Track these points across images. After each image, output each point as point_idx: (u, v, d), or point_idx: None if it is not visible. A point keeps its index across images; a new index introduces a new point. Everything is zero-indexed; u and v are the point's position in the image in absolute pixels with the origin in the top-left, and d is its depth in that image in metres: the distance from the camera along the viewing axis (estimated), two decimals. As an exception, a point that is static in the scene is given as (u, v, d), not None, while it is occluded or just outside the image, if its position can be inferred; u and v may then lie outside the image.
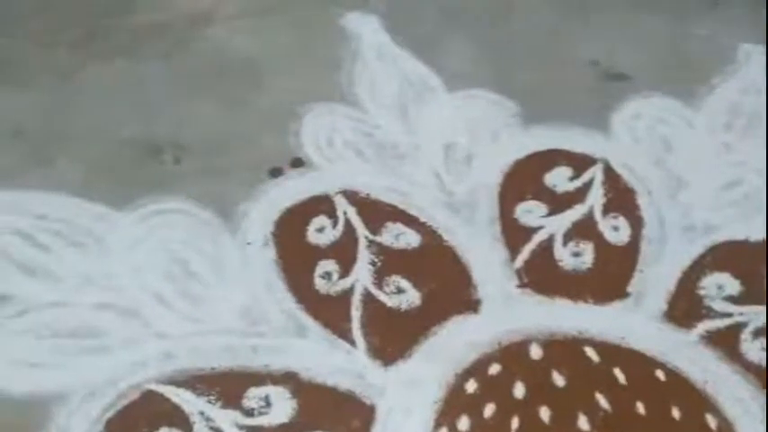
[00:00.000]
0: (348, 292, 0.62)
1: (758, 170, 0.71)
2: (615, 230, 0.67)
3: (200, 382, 0.57)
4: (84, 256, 0.63)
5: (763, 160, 0.72)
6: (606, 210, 0.68)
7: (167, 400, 0.56)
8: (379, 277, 0.63)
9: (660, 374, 0.58)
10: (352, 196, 0.68)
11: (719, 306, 0.62)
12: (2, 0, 0.83)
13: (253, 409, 0.56)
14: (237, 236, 0.65)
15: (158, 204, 0.67)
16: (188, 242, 0.64)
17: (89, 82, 0.77)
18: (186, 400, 0.56)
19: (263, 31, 0.82)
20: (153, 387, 0.56)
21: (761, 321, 0.61)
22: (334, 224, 0.66)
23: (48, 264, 0.63)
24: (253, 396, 0.56)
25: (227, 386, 0.56)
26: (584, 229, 0.66)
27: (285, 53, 0.80)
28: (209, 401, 0.56)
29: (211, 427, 0.55)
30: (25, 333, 0.59)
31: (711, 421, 0.56)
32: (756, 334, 0.60)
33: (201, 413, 0.55)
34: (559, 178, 0.70)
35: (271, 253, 0.64)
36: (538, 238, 0.66)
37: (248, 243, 0.65)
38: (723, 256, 0.65)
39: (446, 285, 0.63)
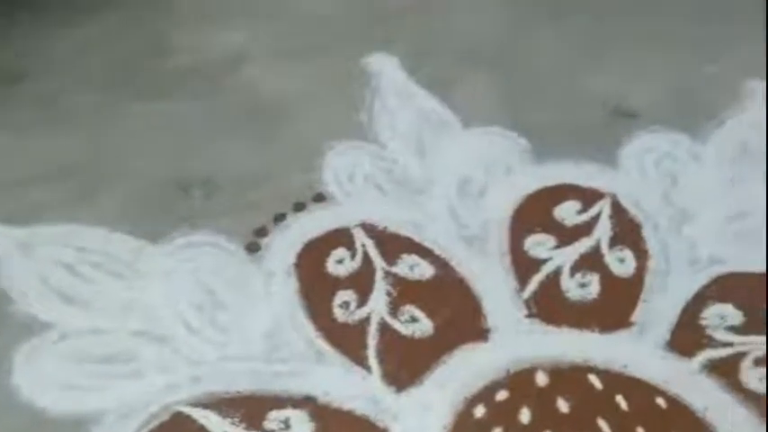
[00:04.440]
0: (365, 321, 0.66)
1: (764, 203, 0.73)
2: (621, 262, 0.69)
3: (225, 404, 0.61)
4: (121, 287, 0.68)
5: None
6: (613, 242, 0.71)
7: (195, 421, 0.60)
8: (395, 307, 0.67)
9: (661, 402, 0.60)
10: (370, 229, 0.72)
11: (721, 336, 0.64)
12: (48, 41, 0.89)
13: (273, 431, 0.60)
14: (262, 267, 0.69)
15: (189, 237, 0.71)
16: (216, 273, 0.69)
17: (128, 121, 0.82)
18: (212, 421, 0.60)
19: (293, 73, 0.87)
20: (182, 409, 0.60)
21: (761, 351, 0.63)
22: (353, 256, 0.70)
23: (87, 293, 0.67)
24: (274, 418, 0.60)
25: (251, 409, 0.60)
26: (590, 261, 0.69)
27: (312, 93, 0.85)
28: (234, 423, 0.60)
29: (235, 447, 0.59)
30: (66, 358, 0.64)
31: (712, 448, 0.58)
32: (757, 363, 0.62)
33: (226, 434, 0.59)
34: (568, 212, 0.73)
35: (293, 283, 0.68)
36: (546, 269, 0.69)
37: (272, 274, 0.69)
38: (726, 287, 0.67)
39: (458, 315, 0.66)
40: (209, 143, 0.80)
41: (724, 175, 0.76)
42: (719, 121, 0.81)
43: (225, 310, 0.66)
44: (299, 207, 0.74)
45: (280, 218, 0.73)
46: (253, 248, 0.70)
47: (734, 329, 0.64)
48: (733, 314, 0.65)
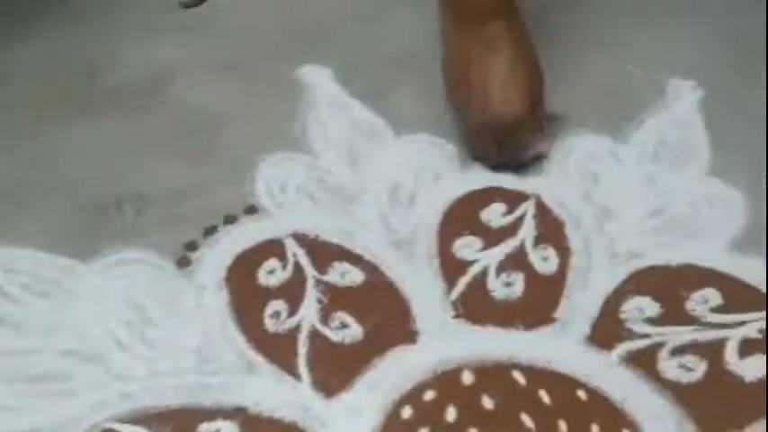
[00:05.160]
0: (295, 330, 0.67)
1: (683, 199, 0.76)
2: (544, 261, 0.71)
3: (155, 419, 0.61)
4: (51, 307, 0.68)
5: (689, 190, 0.77)
6: (537, 242, 0.72)
7: (124, 437, 0.60)
8: (326, 314, 0.68)
9: (582, 394, 0.62)
10: (301, 238, 0.73)
11: (639, 328, 0.66)
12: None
13: (204, 443, 0.60)
14: (193, 281, 0.70)
15: (120, 254, 0.72)
16: (147, 289, 0.69)
17: (58, 141, 0.82)
18: (142, 436, 0.60)
19: (225, 86, 0.88)
20: (111, 425, 0.61)
21: (678, 341, 0.65)
22: (284, 266, 0.71)
23: (16, 314, 0.67)
24: (204, 431, 0.60)
25: (181, 422, 0.61)
26: (515, 261, 0.71)
27: (245, 106, 0.86)
28: (163, 437, 0.60)
29: (165, 461, 0.59)
30: (-4, 380, 0.64)
31: (632, 437, 0.60)
32: (673, 353, 0.65)
33: (155, 448, 0.60)
34: (494, 214, 0.75)
35: (224, 296, 0.69)
36: (473, 270, 0.70)
37: (203, 288, 0.69)
38: (645, 280, 0.69)
39: (387, 319, 0.67)
40: (141, 159, 0.81)
41: (643, 173, 0.79)
42: (641, 120, 0.83)
43: (155, 325, 0.67)
44: (230, 220, 0.75)
45: (210, 231, 0.73)
46: (183, 263, 0.71)
47: (651, 321, 0.67)
48: (650, 306, 0.68)
